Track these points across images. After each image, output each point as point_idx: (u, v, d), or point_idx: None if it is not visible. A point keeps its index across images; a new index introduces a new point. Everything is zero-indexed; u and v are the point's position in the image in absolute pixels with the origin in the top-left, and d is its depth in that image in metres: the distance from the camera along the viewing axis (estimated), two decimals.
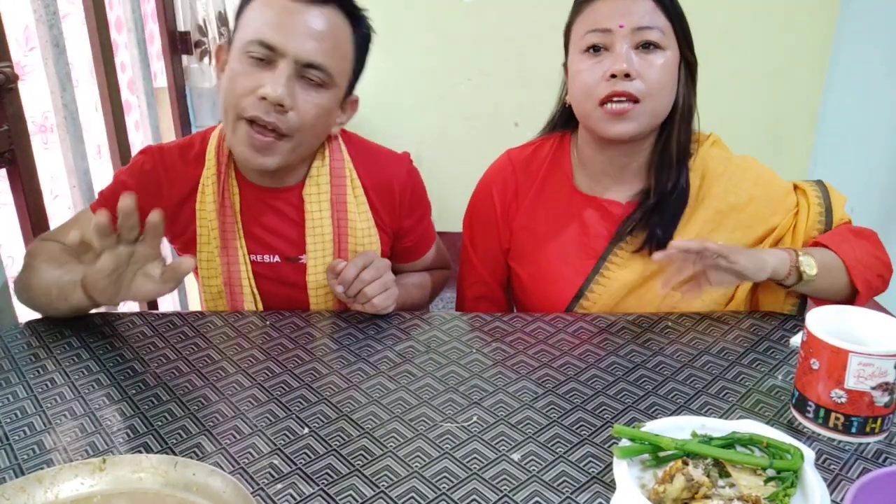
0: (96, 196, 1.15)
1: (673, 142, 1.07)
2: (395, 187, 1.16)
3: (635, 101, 1.00)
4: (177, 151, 1.13)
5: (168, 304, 2.06)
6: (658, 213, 1.06)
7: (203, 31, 2.15)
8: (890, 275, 1.05)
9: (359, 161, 1.15)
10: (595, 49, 1.01)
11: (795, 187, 1.11)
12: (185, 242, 1.14)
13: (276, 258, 1.13)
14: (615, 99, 1.00)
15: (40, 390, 0.88)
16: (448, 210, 2.11)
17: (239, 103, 0.99)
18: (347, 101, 1.10)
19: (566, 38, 1.09)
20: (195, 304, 2.15)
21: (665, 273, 1.00)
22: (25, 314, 1.15)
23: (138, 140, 1.93)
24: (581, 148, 1.13)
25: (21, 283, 1.06)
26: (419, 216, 1.21)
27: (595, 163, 1.11)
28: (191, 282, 2.11)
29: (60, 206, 1.70)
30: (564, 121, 1.17)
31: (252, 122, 0.99)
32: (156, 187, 1.11)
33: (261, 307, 1.13)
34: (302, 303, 1.13)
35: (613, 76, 0.99)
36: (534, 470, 0.73)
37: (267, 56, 0.98)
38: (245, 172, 1.11)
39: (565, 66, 1.10)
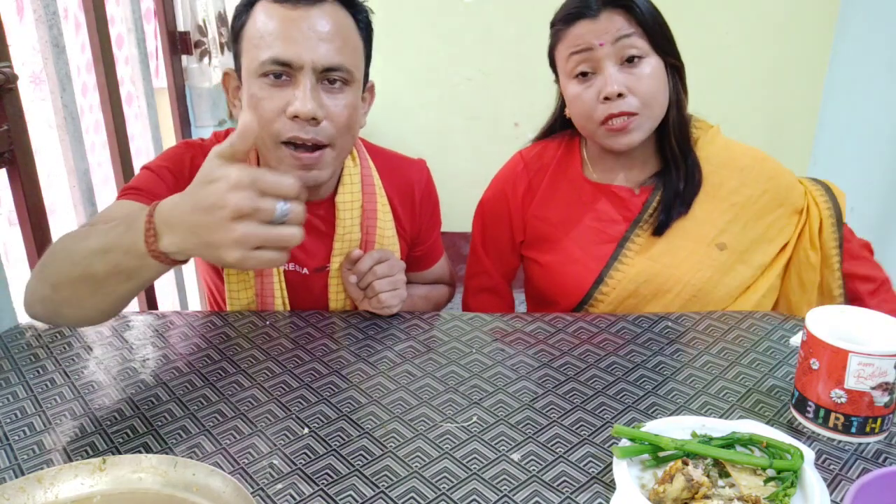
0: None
1: (669, 137, 1.11)
2: (415, 193, 1.18)
3: (632, 113, 1.05)
4: (209, 146, 1.07)
5: (168, 304, 2.06)
6: (672, 197, 1.12)
7: (203, 31, 2.15)
8: None
9: (380, 167, 1.15)
10: (583, 74, 1.06)
11: (806, 192, 1.16)
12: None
13: (305, 270, 1.12)
14: (613, 119, 1.05)
15: (40, 390, 0.88)
16: (448, 209, 2.11)
17: (271, 128, 0.96)
18: (366, 90, 1.07)
19: (551, 61, 1.14)
20: (195, 304, 2.15)
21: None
22: (25, 314, 1.15)
23: (138, 140, 1.93)
24: (590, 146, 1.19)
25: (36, 283, 0.86)
26: (433, 224, 1.23)
27: (606, 160, 1.17)
28: (191, 282, 2.12)
29: None
30: (562, 127, 1.22)
31: (291, 143, 0.97)
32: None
33: None
34: (322, 308, 1.13)
35: (607, 98, 1.04)
36: (534, 470, 0.73)
37: (285, 72, 0.94)
38: None
39: (557, 82, 1.15)
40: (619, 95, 1.03)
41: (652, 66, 1.04)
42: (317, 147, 0.97)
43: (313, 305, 1.13)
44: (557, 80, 1.15)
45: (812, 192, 1.15)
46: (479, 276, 1.28)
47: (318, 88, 0.96)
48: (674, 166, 1.11)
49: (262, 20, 0.95)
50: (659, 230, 1.11)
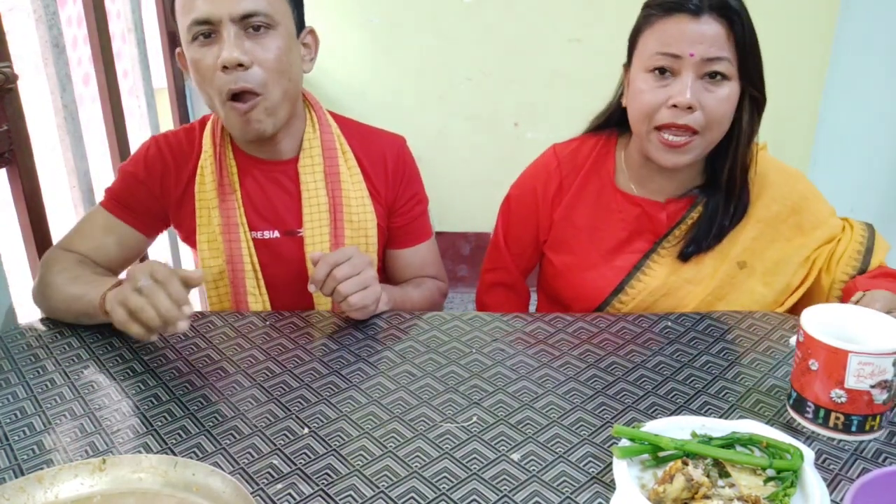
0: (95, 196, 1.15)
1: (726, 168, 1.06)
2: (388, 159, 1.19)
3: (694, 132, 1.00)
4: (182, 133, 1.17)
5: None
6: (707, 230, 1.08)
7: None
8: None
9: (352, 137, 1.18)
10: (661, 71, 1.00)
11: (845, 222, 1.12)
12: (189, 231, 1.16)
13: (276, 233, 1.15)
14: (673, 130, 1.00)
15: (40, 390, 0.88)
16: (448, 209, 2.11)
17: (213, 85, 1.02)
18: (304, 36, 1.11)
19: (631, 42, 1.07)
20: (195, 305, 2.15)
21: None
22: (25, 314, 1.15)
23: (138, 140, 1.93)
24: (630, 152, 1.13)
25: (38, 294, 1.08)
26: (412, 194, 1.22)
27: (643, 169, 1.12)
28: None
29: None
30: (618, 120, 1.15)
31: (232, 97, 1.02)
32: (164, 171, 1.14)
33: (262, 284, 1.14)
34: (301, 279, 1.13)
35: (675, 106, 0.98)
36: (534, 470, 0.73)
37: (209, 31, 1.00)
38: (243, 146, 1.14)
39: (626, 66, 1.09)
40: (689, 108, 0.98)
41: (731, 89, 0.99)
42: (251, 95, 1.02)
43: (290, 274, 1.14)
44: (627, 64, 1.08)
45: (854, 228, 1.09)
46: (497, 271, 1.24)
47: (242, 36, 1.00)
48: (724, 200, 1.07)
49: None
50: (684, 257, 1.09)
